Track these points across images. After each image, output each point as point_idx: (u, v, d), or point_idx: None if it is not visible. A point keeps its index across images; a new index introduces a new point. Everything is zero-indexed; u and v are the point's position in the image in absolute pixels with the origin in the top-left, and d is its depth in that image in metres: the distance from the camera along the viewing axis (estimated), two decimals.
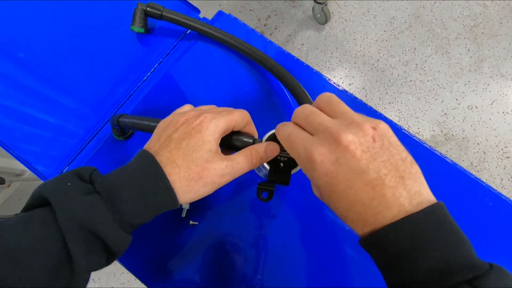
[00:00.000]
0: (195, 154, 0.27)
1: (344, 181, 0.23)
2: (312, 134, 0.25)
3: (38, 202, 0.26)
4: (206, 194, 0.29)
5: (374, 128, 0.23)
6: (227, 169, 0.28)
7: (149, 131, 0.35)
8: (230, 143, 0.32)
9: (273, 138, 0.32)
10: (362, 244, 0.24)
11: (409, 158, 0.23)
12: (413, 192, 0.22)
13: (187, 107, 0.33)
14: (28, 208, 0.26)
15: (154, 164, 0.27)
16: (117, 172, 0.27)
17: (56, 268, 0.24)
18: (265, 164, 0.32)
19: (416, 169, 0.23)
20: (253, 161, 0.30)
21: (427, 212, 0.21)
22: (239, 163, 0.29)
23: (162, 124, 0.31)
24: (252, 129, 0.34)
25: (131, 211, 0.26)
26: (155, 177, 0.26)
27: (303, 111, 0.27)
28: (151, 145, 0.29)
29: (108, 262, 0.27)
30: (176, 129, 0.29)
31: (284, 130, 0.27)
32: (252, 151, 0.30)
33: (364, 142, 0.23)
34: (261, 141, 0.32)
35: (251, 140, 0.32)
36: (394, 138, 0.24)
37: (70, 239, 0.24)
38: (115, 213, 0.25)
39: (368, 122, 0.24)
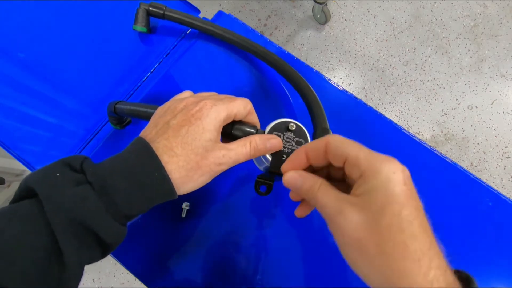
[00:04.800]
0: (195, 142, 0.26)
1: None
2: None
3: (26, 194, 0.24)
4: (204, 183, 0.27)
5: None
6: (224, 159, 0.27)
7: (147, 118, 0.33)
8: (231, 133, 0.31)
9: (276, 128, 0.31)
10: None
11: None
12: None
13: (186, 93, 0.32)
14: (16, 200, 0.24)
15: (149, 153, 0.25)
16: (110, 161, 0.25)
17: (44, 263, 0.22)
18: (267, 156, 0.31)
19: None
20: (251, 153, 0.29)
21: None
22: (237, 153, 0.28)
23: (160, 110, 0.29)
24: (254, 119, 0.32)
25: (125, 202, 0.24)
26: (150, 166, 0.25)
27: None
28: (147, 132, 0.27)
29: (103, 255, 0.26)
30: (174, 115, 0.27)
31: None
32: (251, 142, 0.29)
33: None
34: (264, 132, 0.31)
35: (253, 131, 0.31)
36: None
37: (59, 233, 0.22)
38: (108, 205, 0.24)
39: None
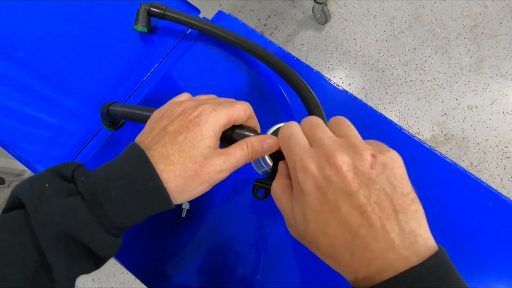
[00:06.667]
0: (193, 150, 0.25)
1: (333, 199, 0.21)
2: (311, 145, 0.24)
3: (16, 203, 0.23)
4: (203, 192, 0.27)
5: (373, 156, 0.21)
6: (225, 165, 0.26)
7: (142, 121, 0.32)
8: (231, 138, 0.30)
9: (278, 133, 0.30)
10: None
11: (413, 195, 0.21)
12: (408, 230, 0.20)
13: (184, 96, 0.31)
14: (6, 210, 0.24)
15: (144, 161, 0.24)
16: (102, 169, 0.24)
17: (33, 277, 0.21)
18: (268, 161, 0.30)
19: (416, 208, 0.21)
20: (249, 155, 0.28)
21: (431, 265, 0.19)
22: (236, 158, 0.27)
23: (156, 114, 0.28)
24: (255, 123, 0.31)
25: (118, 213, 0.23)
26: (145, 175, 0.23)
27: (310, 121, 0.26)
28: (142, 138, 0.26)
29: (97, 267, 0.25)
30: (171, 120, 0.26)
31: (287, 129, 0.26)
32: (247, 144, 0.28)
33: (359, 166, 0.21)
34: None
35: (253, 135, 0.30)
36: (401, 171, 0.22)
37: (47, 247, 0.21)
38: (100, 216, 0.23)
39: (369, 149, 0.22)
